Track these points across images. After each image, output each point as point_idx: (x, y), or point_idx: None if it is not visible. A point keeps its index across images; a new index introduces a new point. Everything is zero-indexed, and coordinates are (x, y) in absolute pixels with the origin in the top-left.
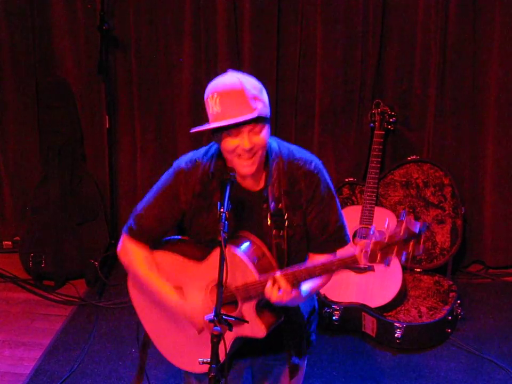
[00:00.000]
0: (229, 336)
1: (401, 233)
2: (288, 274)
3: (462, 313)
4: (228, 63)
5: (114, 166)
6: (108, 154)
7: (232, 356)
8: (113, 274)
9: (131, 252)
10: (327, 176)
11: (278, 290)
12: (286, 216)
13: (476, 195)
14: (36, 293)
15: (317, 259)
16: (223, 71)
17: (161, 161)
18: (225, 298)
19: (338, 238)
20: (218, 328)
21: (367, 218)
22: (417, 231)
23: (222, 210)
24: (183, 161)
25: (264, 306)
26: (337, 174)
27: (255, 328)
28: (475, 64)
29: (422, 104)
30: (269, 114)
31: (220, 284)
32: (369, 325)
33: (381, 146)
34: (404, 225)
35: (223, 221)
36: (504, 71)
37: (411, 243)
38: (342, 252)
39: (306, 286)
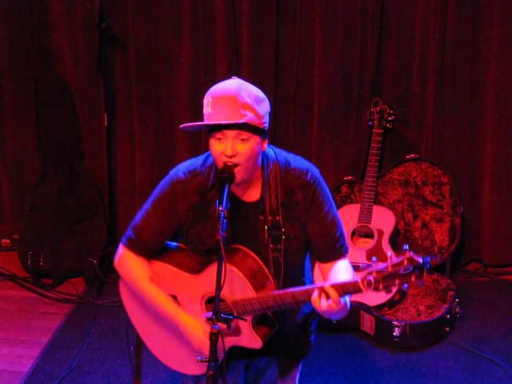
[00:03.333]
0: (225, 344)
1: (405, 264)
2: (336, 286)
3: (460, 312)
4: (226, 62)
5: (113, 164)
6: (107, 152)
7: (228, 356)
8: (111, 272)
9: (130, 264)
10: (324, 185)
11: (326, 299)
12: (283, 229)
13: (474, 193)
14: (34, 291)
15: (326, 268)
16: (222, 69)
17: (159, 159)
18: (222, 310)
19: (340, 247)
20: (217, 326)
21: (365, 216)
22: (421, 261)
23: (220, 208)
24: (181, 170)
25: (260, 318)
26: (335, 172)
27: (252, 340)
28: (474, 63)
29: (420, 102)
30: (263, 126)
31: (219, 283)
32: (368, 323)
33: (379, 145)
34: (407, 255)
35: (222, 219)
36: (503, 69)
37: (413, 275)
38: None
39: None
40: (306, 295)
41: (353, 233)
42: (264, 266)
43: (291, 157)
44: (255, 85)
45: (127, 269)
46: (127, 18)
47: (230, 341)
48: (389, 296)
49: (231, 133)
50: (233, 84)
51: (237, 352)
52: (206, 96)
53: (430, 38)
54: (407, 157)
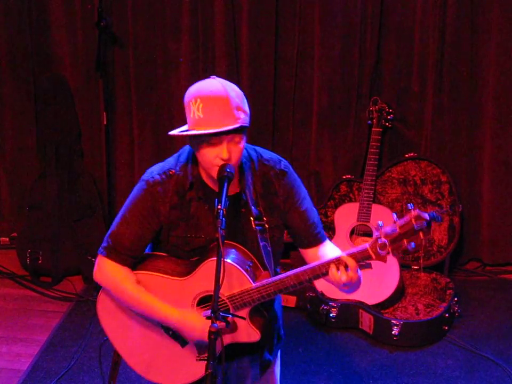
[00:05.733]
0: (224, 341)
1: (412, 223)
2: (352, 254)
3: (459, 311)
4: (225, 60)
5: (112, 162)
6: (106, 151)
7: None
8: None
9: (112, 271)
10: (295, 174)
11: (345, 270)
12: (265, 219)
13: (473, 192)
14: (33, 289)
15: (309, 254)
16: (221, 68)
17: (158, 158)
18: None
19: (320, 231)
20: (216, 325)
21: (364, 215)
22: (427, 217)
23: (219, 207)
24: (155, 173)
25: (255, 312)
26: (334, 171)
27: (250, 333)
28: (473, 62)
29: (420, 101)
30: (249, 123)
31: (217, 281)
32: (367, 322)
33: (378, 144)
34: (414, 213)
35: (221, 217)
36: (502, 68)
37: (421, 233)
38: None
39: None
40: (321, 270)
41: (352, 232)
42: (254, 258)
43: (260, 149)
44: (255, 84)
45: (110, 277)
46: (126, 17)
47: (227, 339)
48: (389, 294)
49: (227, 137)
50: (218, 85)
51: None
52: (191, 100)
53: (429, 37)
54: (406, 155)
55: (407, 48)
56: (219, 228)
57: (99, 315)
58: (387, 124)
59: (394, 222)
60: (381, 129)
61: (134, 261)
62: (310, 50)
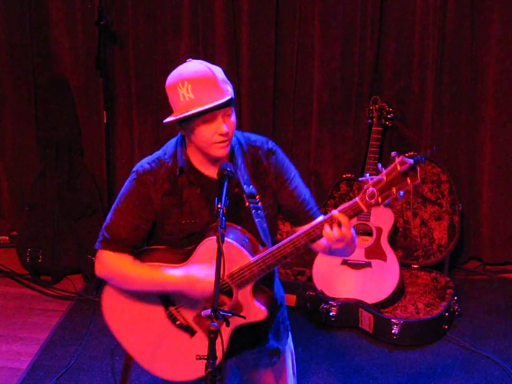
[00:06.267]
0: (226, 331)
1: (398, 168)
2: (343, 209)
3: (459, 310)
4: (225, 59)
5: (112, 161)
6: (106, 150)
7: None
8: None
9: (112, 260)
10: (284, 154)
11: (339, 227)
12: (258, 197)
13: (473, 192)
14: (33, 288)
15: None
16: (221, 66)
17: None
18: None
19: (312, 208)
20: (216, 324)
21: (364, 214)
22: (411, 161)
23: (219, 206)
24: (145, 162)
25: (258, 290)
26: (335, 170)
27: (255, 311)
28: (473, 61)
29: (420, 100)
30: (234, 95)
31: (217, 280)
32: (366, 321)
33: (378, 143)
34: (398, 159)
35: (221, 216)
36: (502, 67)
37: (408, 179)
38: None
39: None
40: (315, 232)
41: None
42: (250, 234)
43: (246, 133)
44: (255, 84)
45: (110, 266)
46: (126, 16)
47: (233, 322)
48: (388, 293)
49: (221, 112)
50: (199, 65)
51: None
52: (177, 83)
53: (429, 37)
54: (406, 155)
55: (407, 48)
56: (219, 227)
57: (104, 314)
58: (387, 123)
59: (380, 171)
60: (381, 128)
61: (132, 250)
62: (310, 50)
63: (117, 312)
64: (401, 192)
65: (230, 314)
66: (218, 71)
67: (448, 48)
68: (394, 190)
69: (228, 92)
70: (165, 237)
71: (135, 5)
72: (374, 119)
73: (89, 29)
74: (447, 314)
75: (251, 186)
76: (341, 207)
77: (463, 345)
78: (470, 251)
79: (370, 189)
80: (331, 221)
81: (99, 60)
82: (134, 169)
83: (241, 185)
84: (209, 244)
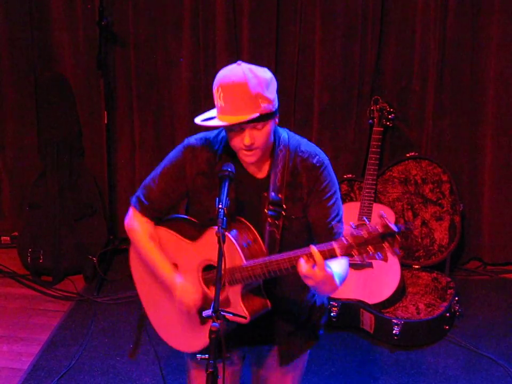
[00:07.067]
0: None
1: (379, 230)
2: (323, 250)
3: (460, 310)
4: (226, 60)
5: (113, 161)
6: (107, 150)
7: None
8: (111, 270)
9: (135, 224)
10: (331, 172)
11: (311, 265)
12: (284, 207)
13: (474, 192)
14: (34, 289)
15: None
16: (222, 67)
17: (159, 157)
18: (212, 278)
19: (335, 234)
20: (217, 324)
21: (365, 215)
22: (395, 229)
23: (220, 206)
24: (194, 137)
25: (251, 292)
26: (335, 170)
27: (239, 313)
28: (474, 61)
29: (420, 101)
30: (275, 108)
31: (218, 280)
32: (367, 321)
33: (379, 143)
34: (382, 221)
35: (221, 217)
36: (503, 67)
37: (386, 243)
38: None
39: (337, 269)
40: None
41: None
42: (259, 239)
43: (304, 141)
44: None
45: (133, 229)
46: (127, 17)
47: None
48: (389, 293)
49: (248, 125)
50: (240, 72)
51: (236, 338)
52: (215, 87)
53: (430, 37)
54: (407, 155)
55: (408, 48)
56: (219, 228)
57: (130, 265)
58: (388, 123)
59: (366, 224)
60: (382, 129)
61: (157, 215)
62: (310, 50)
63: (137, 265)
64: (379, 254)
65: (230, 314)
66: (256, 83)
67: (449, 49)
68: (371, 248)
69: (259, 108)
70: (195, 213)
71: (135, 5)
72: (375, 119)
73: (90, 29)
74: (448, 314)
75: (280, 194)
76: (320, 246)
77: (464, 345)
78: (471, 251)
79: (349, 241)
80: (308, 256)
81: (100, 60)
82: (186, 140)
83: (269, 191)
84: (211, 232)
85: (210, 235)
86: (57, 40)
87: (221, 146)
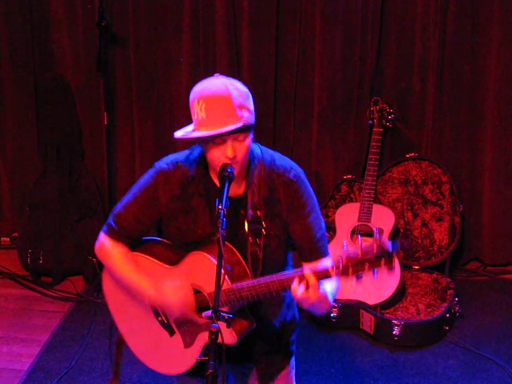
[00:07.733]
0: (201, 341)
1: (374, 251)
2: (316, 272)
3: (459, 311)
4: (226, 60)
5: (113, 162)
6: (106, 151)
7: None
8: None
9: (108, 248)
10: (307, 185)
11: (305, 287)
12: (263, 223)
13: (474, 192)
14: (34, 289)
15: (306, 267)
16: (222, 69)
17: (159, 158)
18: (200, 302)
19: (321, 247)
20: (217, 325)
21: (365, 215)
22: (390, 249)
23: (220, 207)
24: (164, 162)
25: (236, 313)
26: (335, 171)
27: (226, 334)
28: (474, 61)
29: (420, 101)
30: (253, 121)
31: (218, 280)
32: (367, 322)
33: (379, 144)
34: (377, 242)
35: (221, 217)
36: (503, 68)
37: (382, 260)
38: (316, 265)
39: (328, 288)
40: (287, 283)
41: (352, 232)
42: (242, 260)
43: (277, 155)
44: (255, 84)
45: (105, 254)
46: (127, 17)
47: (204, 338)
48: (389, 294)
49: (230, 137)
50: (220, 84)
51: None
52: (194, 100)
53: (430, 37)
54: (407, 155)
55: (408, 48)
56: (220, 228)
57: (104, 292)
58: (388, 124)
59: (359, 244)
60: (381, 129)
61: (130, 241)
62: (310, 50)
63: (113, 292)
64: (376, 270)
65: (231, 316)
66: (238, 94)
67: (449, 49)
68: (367, 265)
69: (242, 118)
70: (169, 237)
71: (135, 6)
72: (375, 120)
73: (90, 29)
74: (448, 315)
75: (258, 211)
76: (314, 268)
77: (464, 346)
78: (471, 252)
79: (344, 262)
80: (301, 278)
81: (100, 61)
82: (155, 164)
83: (247, 209)
84: (194, 257)
85: (193, 260)
86: (57, 41)
87: (192, 168)
